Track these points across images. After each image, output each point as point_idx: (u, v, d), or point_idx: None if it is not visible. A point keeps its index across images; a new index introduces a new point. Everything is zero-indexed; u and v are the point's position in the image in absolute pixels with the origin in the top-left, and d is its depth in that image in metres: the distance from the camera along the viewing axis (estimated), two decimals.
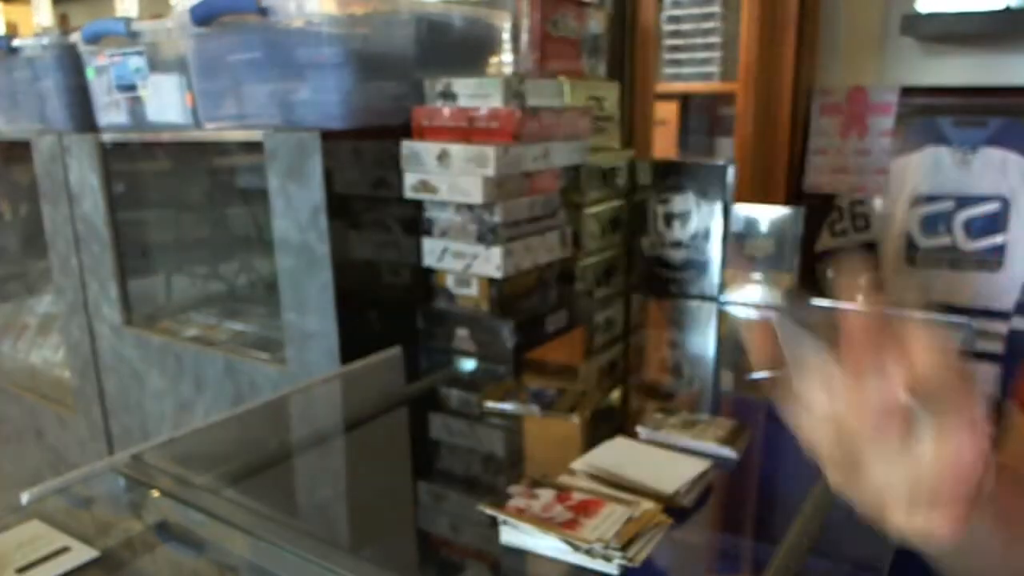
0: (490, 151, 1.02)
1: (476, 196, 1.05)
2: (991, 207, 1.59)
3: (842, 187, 1.75)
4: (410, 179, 1.11)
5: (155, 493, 0.75)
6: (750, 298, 1.34)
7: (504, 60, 1.28)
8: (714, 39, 2.09)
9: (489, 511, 0.66)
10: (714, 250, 1.36)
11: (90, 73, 1.36)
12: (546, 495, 0.68)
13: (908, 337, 0.32)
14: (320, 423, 0.98)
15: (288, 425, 0.98)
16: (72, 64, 1.39)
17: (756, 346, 0.36)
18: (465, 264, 1.12)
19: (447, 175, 1.07)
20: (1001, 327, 1.58)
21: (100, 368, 1.52)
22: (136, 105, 1.30)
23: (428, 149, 1.08)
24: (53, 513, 0.72)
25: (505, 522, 0.65)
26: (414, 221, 1.15)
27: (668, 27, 2.15)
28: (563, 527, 0.62)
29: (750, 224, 1.32)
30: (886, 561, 0.57)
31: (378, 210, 1.11)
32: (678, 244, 1.40)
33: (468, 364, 1.12)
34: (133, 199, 1.48)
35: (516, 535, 0.64)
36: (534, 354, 1.13)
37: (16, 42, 1.45)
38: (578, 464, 0.75)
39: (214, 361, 1.27)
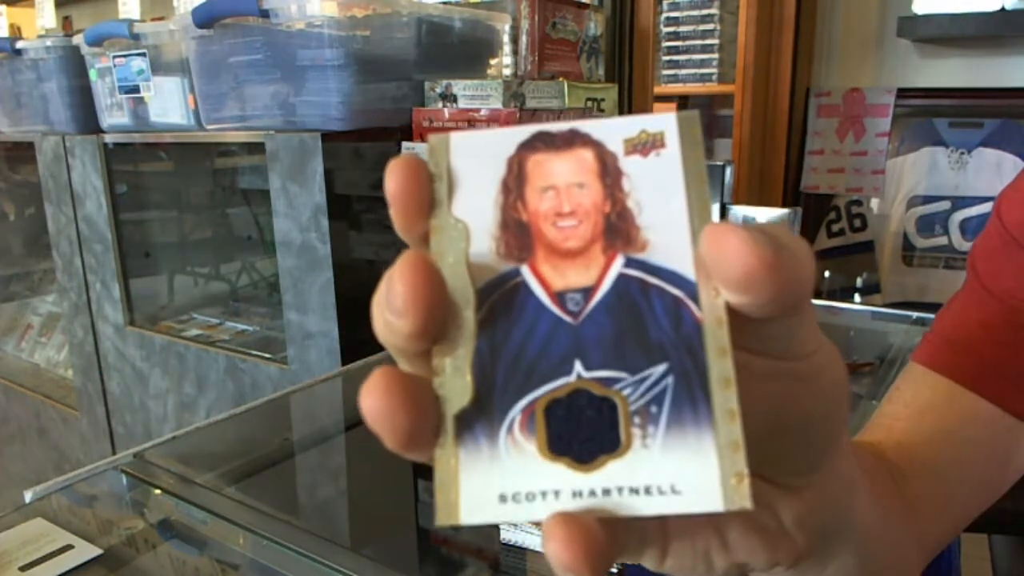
0: None
1: None
2: (987, 208, 1.60)
3: (839, 187, 1.76)
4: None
5: (157, 491, 0.76)
6: None
7: (504, 62, 1.29)
8: (712, 41, 2.09)
9: None
10: None
11: (93, 75, 1.36)
12: None
13: None
14: (321, 422, 0.98)
15: (289, 424, 0.98)
16: (75, 66, 1.39)
17: None
18: None
19: None
20: None
21: (103, 368, 1.53)
22: (139, 106, 1.31)
23: None
24: (56, 511, 0.72)
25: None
26: None
27: (666, 29, 2.15)
28: None
29: (748, 224, 1.32)
30: None
31: (379, 210, 1.12)
32: None
33: None
34: (136, 200, 1.49)
35: (516, 533, 0.64)
36: None
37: (20, 44, 1.45)
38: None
39: (216, 361, 1.27)
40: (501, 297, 0.21)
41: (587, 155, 0.22)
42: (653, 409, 0.20)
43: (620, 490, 0.20)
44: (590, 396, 0.20)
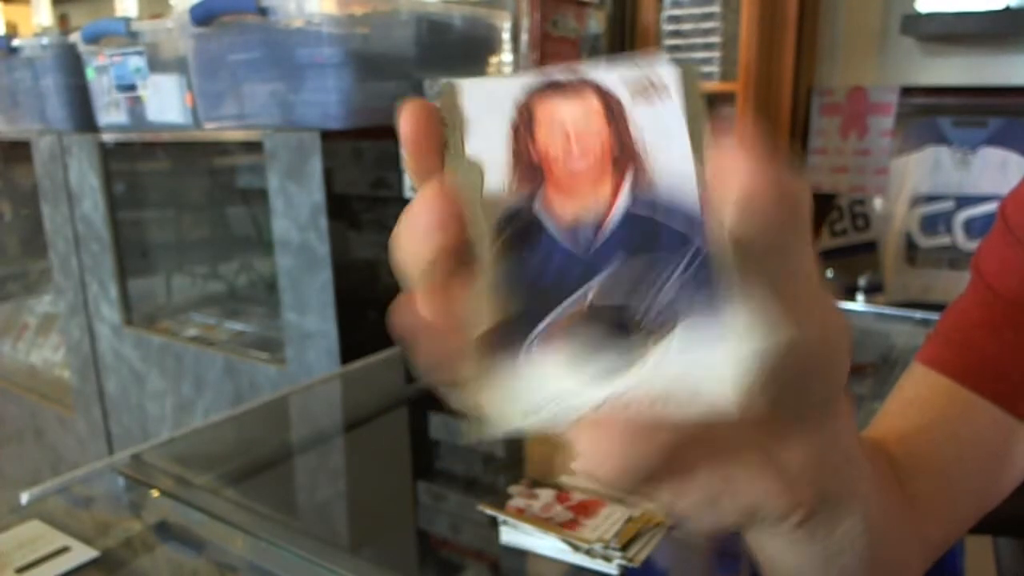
0: None
1: None
2: (991, 207, 1.59)
3: (842, 187, 1.75)
4: (410, 179, 1.11)
5: (155, 493, 0.75)
6: None
7: (504, 60, 1.28)
8: (714, 39, 2.08)
9: (489, 511, 0.66)
10: None
11: (90, 73, 1.36)
12: (546, 495, 0.68)
13: None
14: (320, 423, 0.98)
15: (288, 425, 0.97)
16: (72, 64, 1.39)
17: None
18: None
19: None
20: None
21: (100, 368, 1.52)
22: (136, 105, 1.30)
23: None
24: (53, 513, 0.72)
25: (505, 522, 0.65)
26: None
27: (668, 27, 2.15)
28: (563, 527, 0.62)
29: None
30: None
31: (378, 210, 1.11)
32: None
33: None
34: (133, 199, 1.48)
35: (516, 535, 0.64)
36: None
37: (16, 42, 1.45)
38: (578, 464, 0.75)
39: (214, 361, 1.27)
40: (515, 232, 0.22)
41: (594, 100, 0.23)
42: (665, 329, 0.22)
43: (639, 401, 0.21)
44: (604, 318, 0.22)
